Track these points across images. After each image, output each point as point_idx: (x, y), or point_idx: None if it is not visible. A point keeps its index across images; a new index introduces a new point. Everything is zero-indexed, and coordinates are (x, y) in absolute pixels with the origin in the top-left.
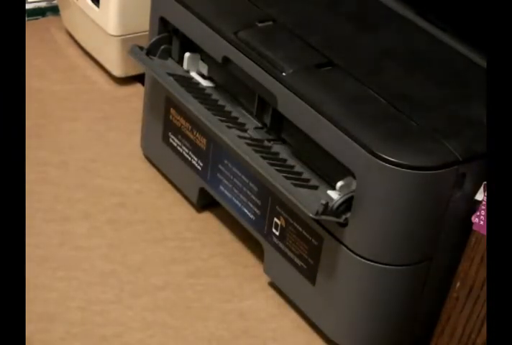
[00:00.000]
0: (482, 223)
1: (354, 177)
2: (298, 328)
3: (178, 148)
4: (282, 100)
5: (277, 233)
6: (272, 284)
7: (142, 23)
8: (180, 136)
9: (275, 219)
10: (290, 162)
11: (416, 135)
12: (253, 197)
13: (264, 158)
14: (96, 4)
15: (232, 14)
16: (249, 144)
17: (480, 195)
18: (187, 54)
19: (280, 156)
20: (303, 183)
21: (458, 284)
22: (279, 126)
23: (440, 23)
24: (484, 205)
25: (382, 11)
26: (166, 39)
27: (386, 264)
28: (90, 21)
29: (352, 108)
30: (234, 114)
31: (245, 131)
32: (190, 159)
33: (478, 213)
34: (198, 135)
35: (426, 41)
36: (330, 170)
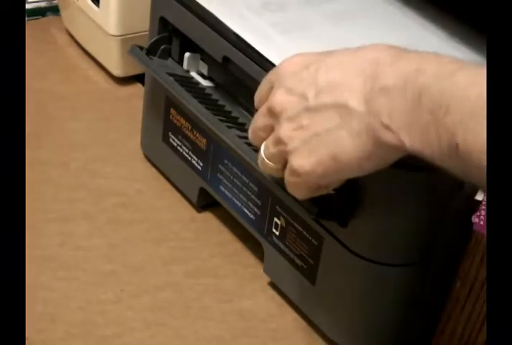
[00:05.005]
0: (482, 223)
1: (354, 177)
2: (298, 328)
3: (178, 148)
4: None
5: (277, 233)
6: (272, 284)
7: (142, 23)
8: (180, 136)
9: (275, 219)
10: None
11: None
12: (253, 197)
13: None
14: (96, 4)
15: None
16: (249, 144)
17: (480, 195)
18: (187, 54)
19: None
20: None
21: (458, 284)
22: None
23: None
24: (484, 205)
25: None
26: (166, 39)
27: (386, 264)
28: (90, 21)
29: None
30: (234, 114)
31: (245, 131)
32: (190, 159)
33: (478, 213)
34: (198, 135)
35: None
36: None
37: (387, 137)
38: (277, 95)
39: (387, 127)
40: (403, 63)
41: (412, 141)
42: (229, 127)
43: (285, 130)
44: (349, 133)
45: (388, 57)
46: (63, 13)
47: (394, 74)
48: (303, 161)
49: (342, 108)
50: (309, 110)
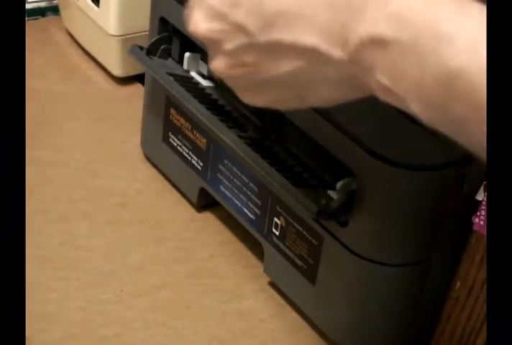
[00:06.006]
0: (482, 223)
1: (354, 177)
2: (298, 328)
3: (178, 148)
4: None
5: (277, 233)
6: (272, 285)
7: (142, 23)
8: (180, 136)
9: (275, 219)
10: (290, 162)
11: (416, 135)
12: (253, 197)
13: (264, 158)
14: (96, 4)
15: None
16: (249, 144)
17: (480, 195)
18: (187, 54)
19: (280, 156)
20: (303, 183)
21: (458, 284)
22: (279, 126)
23: None
24: (484, 205)
25: None
26: (166, 39)
27: (386, 265)
28: (90, 21)
29: (352, 108)
30: (234, 114)
31: (245, 131)
32: (190, 159)
33: (478, 213)
34: (198, 135)
35: None
36: (330, 170)
37: (387, 98)
38: (198, 19)
39: (387, 89)
40: (404, 5)
41: (434, 120)
42: (229, 127)
43: (220, 66)
44: (322, 80)
45: None
46: (63, 13)
47: (391, 23)
48: (255, 99)
49: (308, 52)
50: (254, 47)
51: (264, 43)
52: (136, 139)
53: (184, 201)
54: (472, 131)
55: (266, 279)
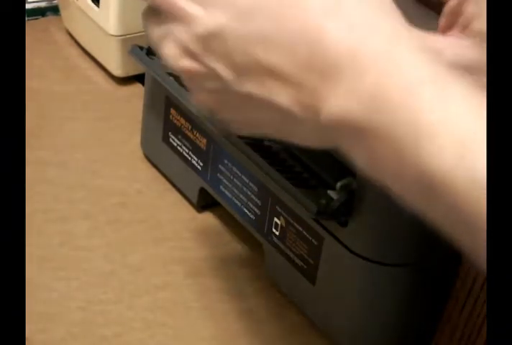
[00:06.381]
0: None
1: (354, 177)
2: (298, 328)
3: (178, 148)
4: None
5: (277, 233)
6: (272, 285)
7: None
8: (180, 136)
9: (275, 219)
10: (290, 162)
11: None
12: (253, 197)
13: (264, 158)
14: (96, 4)
15: None
16: (249, 144)
17: None
18: None
19: (280, 156)
20: (303, 183)
21: (458, 284)
22: None
23: None
24: None
25: None
26: None
27: (386, 265)
28: (90, 21)
29: None
30: None
31: None
32: (190, 159)
33: None
34: (198, 135)
35: None
36: (330, 170)
37: (367, 173)
38: (171, 54)
39: (366, 168)
40: (380, 79)
41: (416, 208)
42: None
43: (201, 100)
44: (298, 131)
45: (342, 41)
46: (63, 13)
47: (365, 103)
48: (243, 131)
49: (282, 110)
50: (230, 92)
51: (238, 92)
52: (136, 139)
53: (184, 201)
54: (457, 229)
55: (266, 279)
